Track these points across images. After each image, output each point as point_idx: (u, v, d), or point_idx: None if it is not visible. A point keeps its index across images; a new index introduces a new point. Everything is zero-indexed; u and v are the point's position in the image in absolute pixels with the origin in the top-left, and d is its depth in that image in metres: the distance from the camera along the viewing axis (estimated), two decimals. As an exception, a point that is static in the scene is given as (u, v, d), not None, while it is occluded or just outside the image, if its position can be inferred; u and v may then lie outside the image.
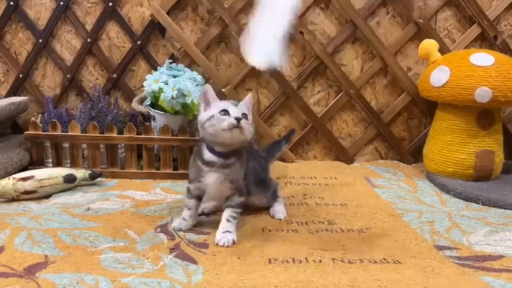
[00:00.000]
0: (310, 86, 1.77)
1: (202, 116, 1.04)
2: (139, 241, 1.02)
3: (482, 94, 1.41)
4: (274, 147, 1.42)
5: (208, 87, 1.06)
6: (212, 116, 1.01)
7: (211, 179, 1.05)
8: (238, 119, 0.99)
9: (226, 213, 1.06)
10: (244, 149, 1.08)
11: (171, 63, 1.58)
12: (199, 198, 1.11)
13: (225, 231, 1.04)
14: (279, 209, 1.21)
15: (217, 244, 1.02)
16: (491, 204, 1.33)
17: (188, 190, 1.10)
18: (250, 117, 1.05)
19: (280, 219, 1.18)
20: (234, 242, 1.03)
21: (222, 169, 1.04)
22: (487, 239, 1.10)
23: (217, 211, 1.17)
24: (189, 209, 1.10)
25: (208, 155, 1.05)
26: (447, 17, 1.73)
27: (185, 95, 1.43)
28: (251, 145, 1.25)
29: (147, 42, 1.71)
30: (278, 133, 1.79)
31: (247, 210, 1.20)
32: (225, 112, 1.01)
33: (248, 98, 1.08)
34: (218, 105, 1.04)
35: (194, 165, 1.08)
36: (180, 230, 1.09)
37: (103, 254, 0.95)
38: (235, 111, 1.01)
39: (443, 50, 1.66)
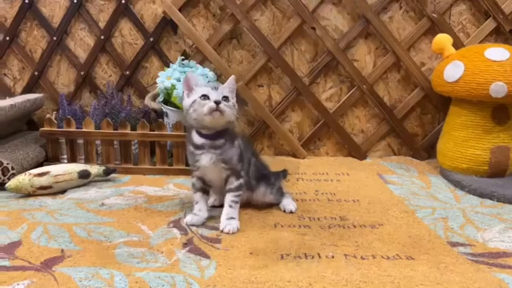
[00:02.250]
0: (322, 82, 1.76)
1: (186, 102, 1.07)
2: (153, 236, 1.03)
3: (498, 89, 1.39)
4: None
5: (190, 74, 1.09)
6: (194, 101, 1.05)
7: (205, 161, 1.08)
8: (217, 103, 1.02)
9: (228, 198, 1.10)
10: (233, 131, 1.11)
11: (183, 60, 1.59)
12: (205, 191, 1.13)
13: (229, 217, 1.08)
14: (288, 202, 1.23)
15: (222, 231, 1.05)
16: (506, 200, 1.32)
17: (193, 185, 1.13)
18: (232, 99, 1.07)
19: (291, 212, 1.20)
20: (237, 229, 1.07)
21: (212, 149, 1.07)
22: (501, 235, 1.09)
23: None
24: (197, 203, 1.12)
25: (197, 139, 1.08)
26: (461, 11, 1.70)
27: (197, 92, 1.44)
28: (249, 143, 1.28)
29: (160, 39, 1.73)
30: (290, 129, 1.79)
31: (258, 207, 1.21)
32: (205, 97, 1.04)
33: (230, 79, 1.10)
34: (198, 90, 1.06)
35: (188, 152, 1.12)
36: (193, 225, 1.10)
37: (117, 249, 0.96)
38: (214, 95, 1.04)
39: (457, 44, 1.64)
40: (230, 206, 1.09)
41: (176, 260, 0.92)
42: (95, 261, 0.90)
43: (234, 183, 1.10)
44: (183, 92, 1.09)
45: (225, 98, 1.05)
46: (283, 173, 1.44)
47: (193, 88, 1.07)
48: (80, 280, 0.83)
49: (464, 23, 1.72)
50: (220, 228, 1.06)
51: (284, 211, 1.21)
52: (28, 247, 0.96)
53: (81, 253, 0.94)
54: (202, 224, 1.11)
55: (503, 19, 1.67)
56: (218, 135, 1.07)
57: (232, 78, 1.10)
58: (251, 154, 1.21)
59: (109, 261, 0.91)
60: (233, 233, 1.05)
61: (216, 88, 1.06)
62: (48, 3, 1.71)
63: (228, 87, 1.08)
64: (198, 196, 1.13)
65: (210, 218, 1.14)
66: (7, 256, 0.92)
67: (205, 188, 1.13)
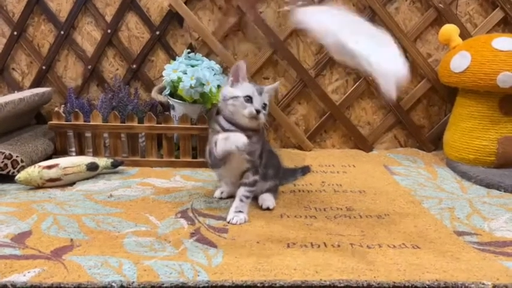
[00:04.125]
0: (328, 74, 1.76)
1: (228, 90, 1.08)
2: (161, 226, 1.05)
3: (505, 79, 1.38)
4: (288, 172, 1.41)
5: (243, 64, 1.09)
6: (237, 97, 1.05)
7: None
8: (258, 111, 1.04)
9: (240, 192, 1.11)
10: (259, 129, 1.11)
11: (189, 52, 1.60)
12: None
13: (238, 211, 1.08)
14: (267, 197, 1.18)
15: (229, 222, 1.06)
16: (513, 191, 1.31)
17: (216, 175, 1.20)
18: (268, 106, 1.10)
19: (268, 208, 1.15)
20: (245, 221, 1.07)
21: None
22: (508, 225, 1.09)
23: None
24: (220, 181, 1.20)
25: (226, 124, 1.08)
26: (468, 1, 1.69)
27: (203, 84, 1.44)
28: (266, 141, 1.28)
29: (166, 32, 1.73)
30: (296, 121, 1.79)
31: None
32: (249, 99, 1.05)
33: (275, 86, 1.13)
34: (245, 87, 1.07)
35: (213, 132, 1.10)
36: (221, 198, 1.18)
37: (126, 238, 0.98)
38: (258, 100, 1.05)
39: (464, 35, 1.63)
40: (241, 200, 1.10)
41: (184, 249, 0.93)
42: (104, 250, 0.92)
43: (250, 177, 1.11)
44: (228, 78, 1.10)
45: (264, 106, 1.07)
46: (307, 169, 1.47)
47: (239, 80, 1.08)
48: (90, 268, 0.84)
49: (472, 13, 1.70)
50: (228, 220, 1.07)
51: (261, 206, 1.16)
52: (38, 237, 0.98)
53: (90, 242, 0.96)
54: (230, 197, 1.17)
55: (511, 9, 1.65)
56: (246, 129, 1.07)
57: (277, 84, 1.15)
58: (267, 151, 1.20)
59: (118, 250, 0.92)
60: (240, 224, 1.06)
61: (260, 93, 1.07)
62: (55, -3, 1.73)
63: (269, 94, 1.10)
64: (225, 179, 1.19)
65: (217, 208, 1.15)
66: (18, 245, 0.93)
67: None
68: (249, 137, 1.03)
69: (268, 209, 1.15)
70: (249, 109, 1.04)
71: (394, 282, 0.82)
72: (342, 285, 0.81)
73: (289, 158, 1.63)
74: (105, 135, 1.53)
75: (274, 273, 0.84)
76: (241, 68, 1.08)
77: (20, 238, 0.97)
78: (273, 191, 1.22)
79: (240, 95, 1.05)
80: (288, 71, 1.75)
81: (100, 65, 1.77)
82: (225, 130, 1.07)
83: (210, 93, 1.46)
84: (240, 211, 1.09)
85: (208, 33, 1.67)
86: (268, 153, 1.19)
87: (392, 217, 1.13)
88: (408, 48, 1.69)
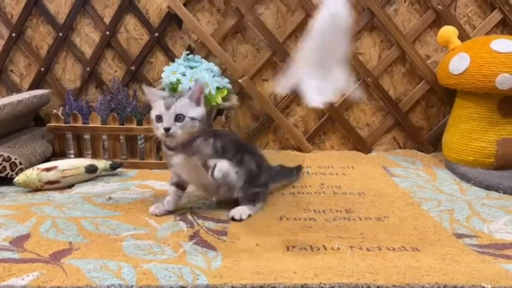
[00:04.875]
0: (327, 76, 1.76)
1: (151, 115, 1.07)
2: (160, 229, 1.04)
3: (504, 81, 1.38)
4: (283, 173, 1.37)
5: (147, 89, 1.08)
6: (153, 121, 1.05)
7: (176, 161, 1.07)
8: (166, 129, 1.01)
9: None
10: (208, 134, 1.08)
11: (188, 54, 1.59)
12: (179, 186, 1.14)
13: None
14: (237, 209, 1.12)
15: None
16: (512, 192, 1.32)
17: (171, 178, 1.15)
18: (192, 111, 1.03)
19: (233, 218, 1.10)
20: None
21: (184, 150, 1.06)
22: (507, 227, 1.09)
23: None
24: (169, 195, 1.14)
25: (164, 149, 1.09)
26: (467, 3, 1.69)
27: (202, 86, 1.44)
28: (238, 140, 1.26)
29: (165, 34, 1.73)
30: (295, 123, 1.79)
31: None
32: (159, 118, 1.03)
33: (196, 87, 1.06)
34: (156, 106, 1.04)
35: (163, 151, 1.12)
36: (155, 214, 1.12)
37: (125, 241, 0.97)
38: (167, 117, 1.01)
39: (463, 36, 1.63)
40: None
41: (183, 252, 0.93)
42: (103, 254, 0.92)
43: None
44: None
45: (179, 117, 1.01)
46: (300, 169, 1.44)
47: (152, 102, 1.06)
48: (89, 272, 0.84)
49: (470, 15, 1.71)
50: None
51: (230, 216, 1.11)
52: (37, 240, 0.97)
53: (89, 246, 0.95)
54: (165, 214, 1.12)
55: (510, 11, 1.66)
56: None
57: (197, 84, 1.06)
58: (241, 151, 1.15)
59: (117, 253, 0.92)
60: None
61: (169, 107, 1.01)
62: (53, -1, 1.72)
63: (186, 99, 1.03)
64: (171, 189, 1.14)
65: (216, 211, 1.15)
66: (16, 249, 0.93)
67: (181, 184, 1.14)
68: (191, 148, 1.05)
69: (233, 219, 1.09)
70: (159, 130, 1.02)
71: (394, 285, 0.82)
72: (341, 288, 0.81)
73: (288, 159, 1.62)
74: (104, 137, 1.53)
75: (274, 276, 0.84)
76: (146, 93, 1.08)
77: (18, 241, 0.96)
78: (248, 200, 1.13)
79: (153, 116, 1.05)
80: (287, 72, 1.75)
81: (99, 67, 1.77)
82: (168, 147, 1.07)
83: (209, 95, 1.46)
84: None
85: (207, 35, 1.67)
86: (241, 159, 1.13)
87: (392, 219, 1.13)
88: (407, 50, 1.69)
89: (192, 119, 1.03)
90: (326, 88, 0.97)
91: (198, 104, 1.06)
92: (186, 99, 1.04)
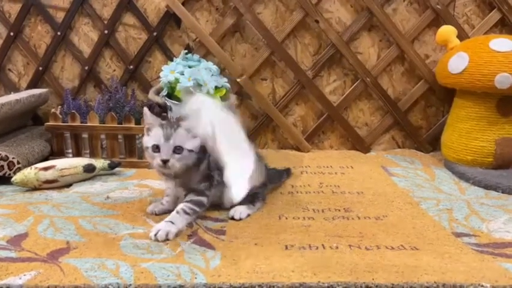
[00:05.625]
0: (326, 75, 1.76)
1: (144, 141, 1.04)
2: (158, 228, 1.04)
3: (503, 80, 1.38)
4: (275, 175, 1.35)
5: (145, 111, 1.03)
6: (147, 148, 1.02)
7: (168, 184, 1.10)
8: (164, 161, 0.99)
9: (179, 206, 1.04)
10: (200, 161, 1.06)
11: (186, 53, 1.59)
12: None
13: (168, 220, 1.00)
14: (236, 209, 1.11)
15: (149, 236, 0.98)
16: (511, 192, 1.31)
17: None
18: (191, 143, 1.02)
19: (232, 217, 1.09)
20: (167, 237, 0.97)
21: (176, 179, 1.06)
22: (506, 226, 1.08)
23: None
24: (167, 195, 1.13)
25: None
26: (466, 3, 1.69)
27: (201, 85, 1.44)
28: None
29: (163, 33, 1.73)
30: (293, 122, 1.79)
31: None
32: (157, 148, 1.00)
33: (191, 123, 1.02)
34: (154, 134, 1.01)
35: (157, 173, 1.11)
36: (154, 213, 1.11)
37: (123, 240, 0.97)
38: (165, 148, 0.99)
39: (462, 36, 1.63)
40: (177, 212, 1.02)
41: (181, 251, 0.92)
42: (101, 253, 0.91)
43: (192, 197, 1.06)
44: (144, 127, 1.05)
45: (177, 149, 1.00)
46: (289, 171, 1.43)
47: (149, 128, 1.03)
48: (86, 271, 0.84)
49: (469, 15, 1.71)
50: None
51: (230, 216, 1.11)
52: (34, 239, 0.97)
53: (87, 245, 0.95)
54: (163, 213, 1.11)
55: (508, 10, 1.66)
56: None
57: (195, 114, 1.02)
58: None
59: (114, 252, 0.91)
60: (159, 241, 0.97)
61: (168, 138, 0.99)
62: (51, -2, 1.72)
63: (185, 130, 1.01)
64: (169, 189, 1.12)
65: (215, 210, 1.14)
66: (14, 248, 0.93)
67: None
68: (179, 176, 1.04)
69: (233, 218, 1.09)
70: (156, 160, 1.00)
71: (393, 284, 0.81)
72: (340, 287, 0.81)
73: (287, 159, 1.62)
74: (102, 136, 1.52)
75: (272, 275, 0.83)
76: (145, 114, 1.03)
77: (16, 240, 0.96)
78: (248, 200, 1.11)
79: (149, 145, 1.01)
80: (285, 72, 1.75)
81: (97, 66, 1.77)
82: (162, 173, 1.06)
83: (207, 95, 1.46)
84: (171, 222, 1.00)
85: (205, 34, 1.67)
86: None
87: (391, 218, 1.12)
88: (406, 49, 1.69)
89: (190, 151, 1.02)
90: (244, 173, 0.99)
91: (195, 135, 1.03)
92: (184, 131, 1.02)
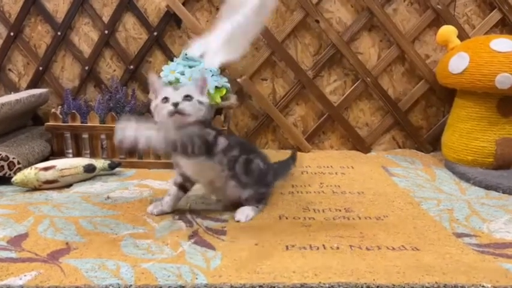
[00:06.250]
0: (327, 75, 1.76)
1: (152, 105, 1.06)
2: (158, 228, 1.04)
3: (503, 80, 1.38)
4: (283, 166, 1.38)
5: (154, 77, 1.07)
6: (156, 105, 1.03)
7: (183, 161, 1.07)
8: (175, 104, 0.99)
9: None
10: (208, 126, 1.07)
11: (187, 53, 1.59)
12: (182, 187, 1.12)
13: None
14: (242, 210, 1.11)
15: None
16: (511, 192, 1.31)
17: (174, 179, 1.13)
18: (200, 96, 1.04)
19: (239, 221, 1.08)
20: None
21: None
22: (507, 226, 1.08)
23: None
24: (169, 195, 1.12)
25: None
26: (466, 3, 1.69)
27: (201, 85, 1.44)
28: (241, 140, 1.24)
29: (163, 33, 1.73)
30: (294, 123, 1.79)
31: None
32: (166, 99, 1.01)
33: (198, 77, 1.08)
34: (163, 91, 1.04)
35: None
36: (153, 213, 1.11)
37: (123, 241, 0.97)
38: (174, 96, 1.01)
39: (462, 36, 1.63)
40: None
41: (182, 252, 0.92)
42: (101, 253, 0.91)
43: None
44: (152, 95, 1.08)
45: (187, 97, 1.01)
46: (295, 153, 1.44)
47: (157, 91, 1.05)
48: (87, 271, 0.84)
49: (470, 15, 1.70)
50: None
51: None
52: (35, 239, 0.97)
53: (87, 245, 0.95)
54: (162, 214, 1.11)
55: (509, 10, 1.65)
56: None
57: (200, 74, 1.08)
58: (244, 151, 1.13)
59: (115, 252, 0.91)
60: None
61: (177, 89, 1.03)
62: (52, -2, 1.72)
63: (192, 85, 1.06)
64: (172, 190, 1.12)
65: (215, 210, 1.14)
66: (14, 248, 0.92)
67: (184, 185, 1.12)
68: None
69: (239, 221, 1.08)
70: (166, 108, 1.00)
71: (394, 285, 0.81)
72: (341, 287, 0.81)
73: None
74: (102, 136, 1.52)
75: (273, 275, 0.83)
76: (154, 81, 1.07)
77: (16, 241, 0.96)
78: (255, 200, 1.13)
79: (158, 101, 1.03)
80: (286, 72, 1.75)
81: (97, 65, 1.76)
82: None
83: (207, 95, 1.46)
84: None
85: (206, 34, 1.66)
86: (243, 159, 1.11)
87: (391, 219, 1.12)
88: (406, 50, 1.69)
89: (200, 102, 1.04)
90: (225, 50, 1.02)
91: (202, 93, 1.06)
92: (191, 85, 1.06)
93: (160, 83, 1.08)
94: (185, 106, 1.00)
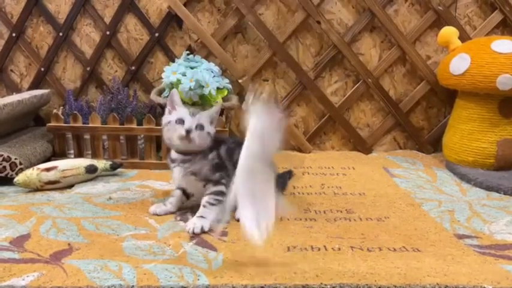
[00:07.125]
0: (328, 76, 1.76)
1: (164, 119, 1.09)
2: (160, 229, 1.04)
3: (505, 81, 1.38)
4: (280, 182, 1.33)
5: (175, 91, 1.10)
6: (169, 122, 1.07)
7: (176, 174, 1.11)
8: (188, 131, 1.04)
9: (204, 200, 1.08)
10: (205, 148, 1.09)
11: (188, 54, 1.59)
12: (185, 193, 1.15)
13: (199, 216, 1.05)
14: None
15: (187, 231, 1.02)
16: (513, 193, 1.31)
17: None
18: (210, 127, 1.08)
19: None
20: (202, 229, 1.01)
21: (182, 163, 1.09)
22: (508, 228, 1.08)
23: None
24: (173, 196, 1.15)
25: (173, 154, 1.11)
26: (468, 4, 1.69)
27: (203, 86, 1.44)
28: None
29: (165, 34, 1.73)
30: (295, 123, 1.79)
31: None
32: (181, 121, 1.05)
33: (215, 107, 1.12)
34: (179, 112, 1.08)
35: (167, 162, 1.15)
36: (156, 213, 1.12)
37: (125, 242, 0.97)
38: (190, 121, 1.05)
39: (463, 37, 1.63)
40: (204, 206, 1.06)
41: (183, 253, 0.93)
42: (103, 254, 0.91)
43: (211, 188, 1.08)
44: (166, 107, 1.11)
45: (200, 127, 1.06)
46: (291, 172, 1.43)
47: (175, 107, 1.09)
48: (89, 272, 0.84)
49: (471, 16, 1.71)
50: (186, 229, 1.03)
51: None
52: (37, 240, 0.97)
53: (90, 246, 0.95)
54: (165, 214, 1.13)
55: (510, 11, 1.66)
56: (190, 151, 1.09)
57: (217, 106, 1.14)
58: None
59: (117, 253, 0.92)
60: (195, 234, 1.00)
61: (194, 114, 1.07)
62: (54, -1, 1.72)
63: (207, 115, 1.09)
64: (176, 192, 1.15)
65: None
66: (16, 249, 0.93)
67: (185, 192, 1.16)
68: (188, 160, 1.07)
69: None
70: (179, 130, 1.04)
71: (395, 286, 0.82)
72: (342, 289, 0.81)
73: (289, 160, 1.62)
74: (104, 137, 1.52)
75: (275, 276, 0.83)
76: (173, 95, 1.10)
77: (18, 241, 0.96)
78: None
79: (172, 119, 1.07)
80: (287, 73, 1.75)
81: (99, 66, 1.77)
82: (171, 160, 1.11)
83: (209, 96, 1.46)
84: (201, 216, 1.04)
85: (207, 35, 1.67)
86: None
87: (393, 220, 1.12)
88: (407, 51, 1.69)
89: (208, 133, 1.08)
90: (261, 220, 0.84)
91: (212, 123, 1.11)
92: (206, 115, 1.09)
93: (179, 100, 1.10)
94: (195, 136, 1.05)
